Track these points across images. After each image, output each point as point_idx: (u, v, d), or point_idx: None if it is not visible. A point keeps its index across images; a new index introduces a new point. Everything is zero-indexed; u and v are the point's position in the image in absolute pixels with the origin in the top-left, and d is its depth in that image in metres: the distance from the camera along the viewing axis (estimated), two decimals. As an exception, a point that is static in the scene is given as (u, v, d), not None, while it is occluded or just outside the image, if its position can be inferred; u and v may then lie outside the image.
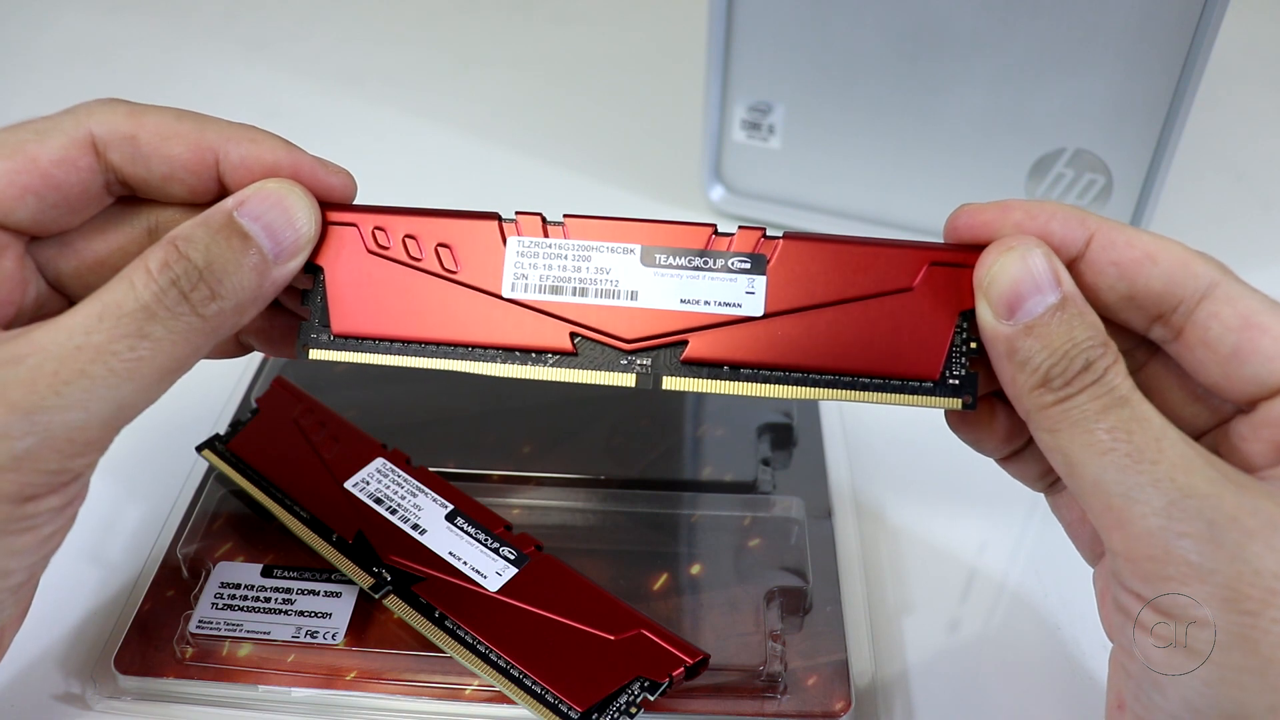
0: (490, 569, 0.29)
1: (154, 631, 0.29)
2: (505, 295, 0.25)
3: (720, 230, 0.24)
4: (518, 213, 0.25)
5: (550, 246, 0.25)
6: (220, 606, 0.29)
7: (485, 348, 0.25)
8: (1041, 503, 0.27)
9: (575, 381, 0.24)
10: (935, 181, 0.43)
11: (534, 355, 0.24)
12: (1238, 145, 0.53)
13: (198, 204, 0.24)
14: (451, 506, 0.30)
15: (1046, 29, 0.38)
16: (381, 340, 0.25)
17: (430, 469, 0.32)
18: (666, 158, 0.51)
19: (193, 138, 0.24)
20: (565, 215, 0.25)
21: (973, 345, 0.24)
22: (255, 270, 0.23)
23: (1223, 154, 0.52)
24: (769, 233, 0.24)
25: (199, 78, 0.56)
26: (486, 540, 0.30)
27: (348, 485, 0.31)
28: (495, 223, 0.25)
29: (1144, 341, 0.24)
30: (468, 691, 0.28)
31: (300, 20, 0.62)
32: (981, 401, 0.25)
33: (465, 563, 0.29)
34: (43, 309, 0.24)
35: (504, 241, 0.25)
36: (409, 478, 0.31)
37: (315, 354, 0.25)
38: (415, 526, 0.30)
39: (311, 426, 0.33)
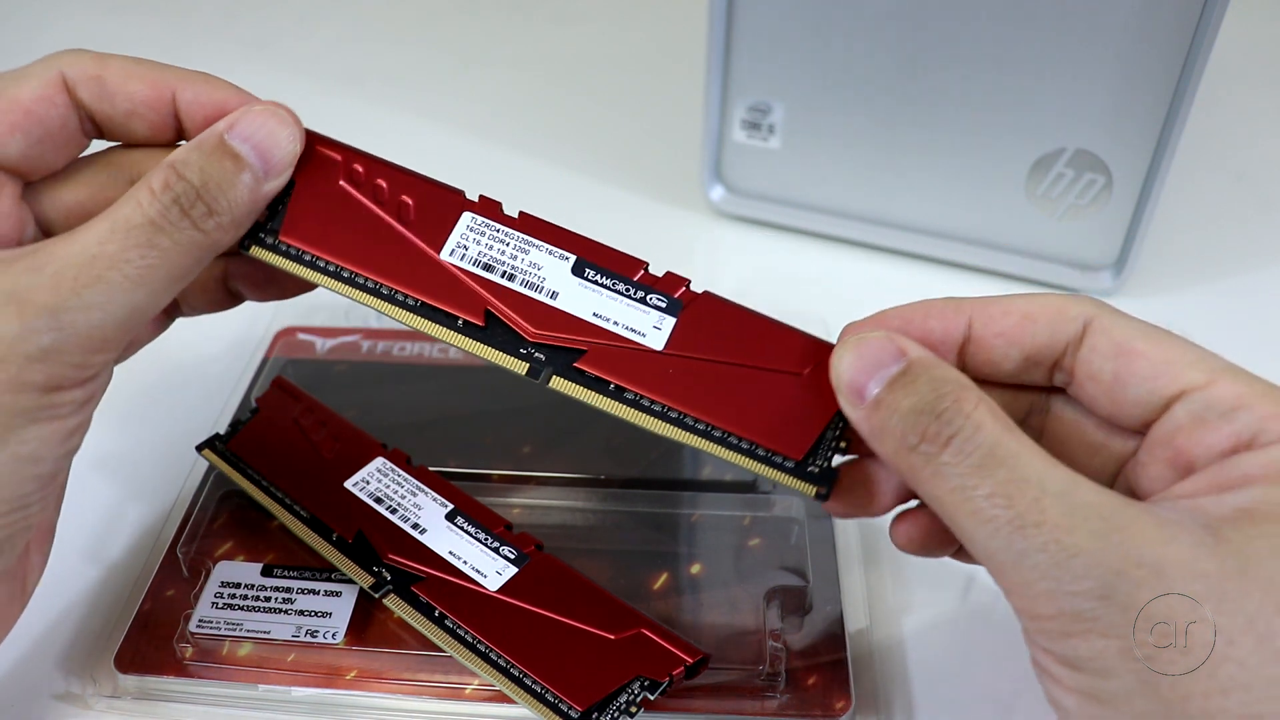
0: (490, 568, 0.29)
1: (154, 631, 0.29)
2: (442, 257, 0.26)
3: (650, 270, 0.26)
4: (481, 196, 0.26)
5: (498, 231, 0.26)
6: (220, 606, 0.29)
7: (406, 295, 0.26)
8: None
9: (472, 353, 0.25)
10: (935, 181, 0.43)
11: (447, 317, 0.25)
12: (1238, 145, 0.53)
13: (162, 143, 0.26)
14: (452, 506, 0.31)
15: (1046, 29, 0.38)
16: (318, 259, 0.26)
17: (430, 469, 0.32)
18: (666, 158, 0.51)
19: (151, 77, 0.26)
20: (521, 212, 0.26)
21: (843, 445, 0.24)
22: (247, 187, 0.24)
23: (1223, 154, 0.52)
24: (693, 286, 0.26)
25: (199, 78, 0.56)
26: (486, 540, 0.30)
27: (348, 485, 0.31)
28: (459, 197, 0.26)
29: (1051, 390, 0.25)
30: (468, 691, 0.28)
31: (300, 20, 0.62)
32: (911, 517, 0.25)
33: (465, 562, 0.29)
34: None
35: (459, 214, 0.26)
36: (409, 477, 0.31)
37: (255, 251, 0.26)
38: (415, 526, 0.30)
39: (311, 426, 0.33)
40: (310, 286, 0.28)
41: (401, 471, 0.32)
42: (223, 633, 0.29)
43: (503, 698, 0.27)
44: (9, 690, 0.29)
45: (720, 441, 0.24)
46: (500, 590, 0.28)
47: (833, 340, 0.25)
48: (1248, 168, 0.51)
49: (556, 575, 0.29)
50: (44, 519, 0.26)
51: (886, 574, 0.32)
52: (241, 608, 0.29)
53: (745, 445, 0.24)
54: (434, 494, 0.31)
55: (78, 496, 0.34)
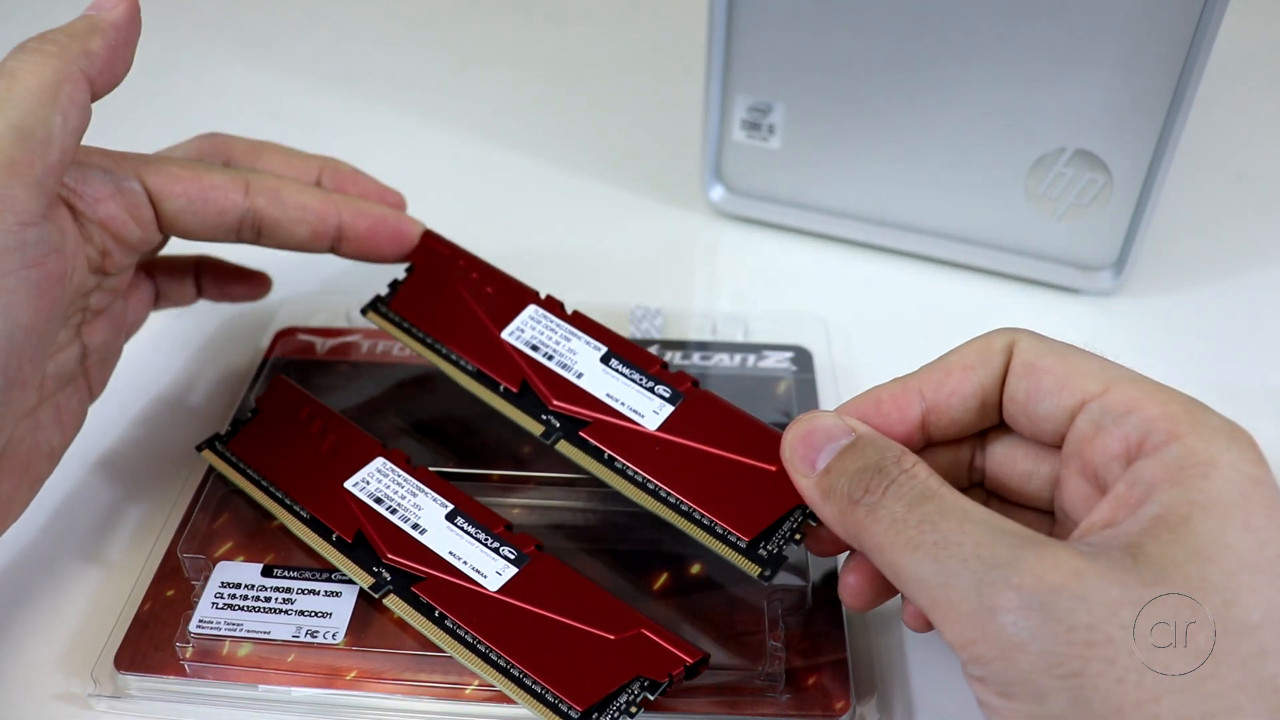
0: (490, 568, 0.29)
1: (154, 631, 0.29)
2: (502, 335, 0.32)
3: (667, 367, 0.31)
4: (548, 295, 0.33)
5: (551, 321, 0.32)
6: (220, 606, 0.29)
7: (466, 362, 0.32)
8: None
9: (503, 413, 0.31)
10: (935, 181, 0.43)
11: (492, 382, 0.31)
12: (1237, 145, 0.53)
13: (319, 248, 0.33)
14: (452, 506, 0.30)
15: (1047, 29, 0.38)
16: (412, 326, 0.33)
17: (430, 469, 0.32)
18: (666, 158, 0.51)
19: (321, 195, 0.33)
20: (575, 311, 0.32)
21: (798, 538, 0.27)
22: (95, 24, 0.28)
23: (1223, 154, 0.52)
24: (700, 383, 0.30)
25: (199, 78, 0.56)
26: (486, 540, 0.30)
27: (348, 485, 0.31)
28: (531, 295, 0.33)
29: (986, 434, 0.27)
30: (468, 691, 0.28)
31: (300, 20, 0.62)
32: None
33: (465, 562, 0.29)
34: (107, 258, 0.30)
35: (526, 306, 0.32)
36: (409, 477, 0.31)
37: (370, 315, 0.34)
38: (415, 526, 0.30)
39: (312, 426, 0.33)
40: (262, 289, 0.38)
41: (401, 471, 0.31)
42: (223, 633, 0.29)
43: (503, 698, 0.27)
44: (9, 690, 0.29)
45: (685, 515, 0.28)
46: (500, 590, 0.28)
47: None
48: (1248, 168, 0.51)
49: (556, 575, 0.29)
50: (23, 446, 0.28)
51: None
52: (241, 608, 0.29)
53: (705, 521, 0.27)
54: (434, 494, 0.31)
55: (78, 496, 0.34)
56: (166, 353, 0.40)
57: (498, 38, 0.61)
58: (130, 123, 0.51)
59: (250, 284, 0.38)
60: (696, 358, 0.38)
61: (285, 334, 0.39)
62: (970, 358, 0.26)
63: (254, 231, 0.32)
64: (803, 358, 0.38)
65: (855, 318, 0.42)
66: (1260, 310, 0.43)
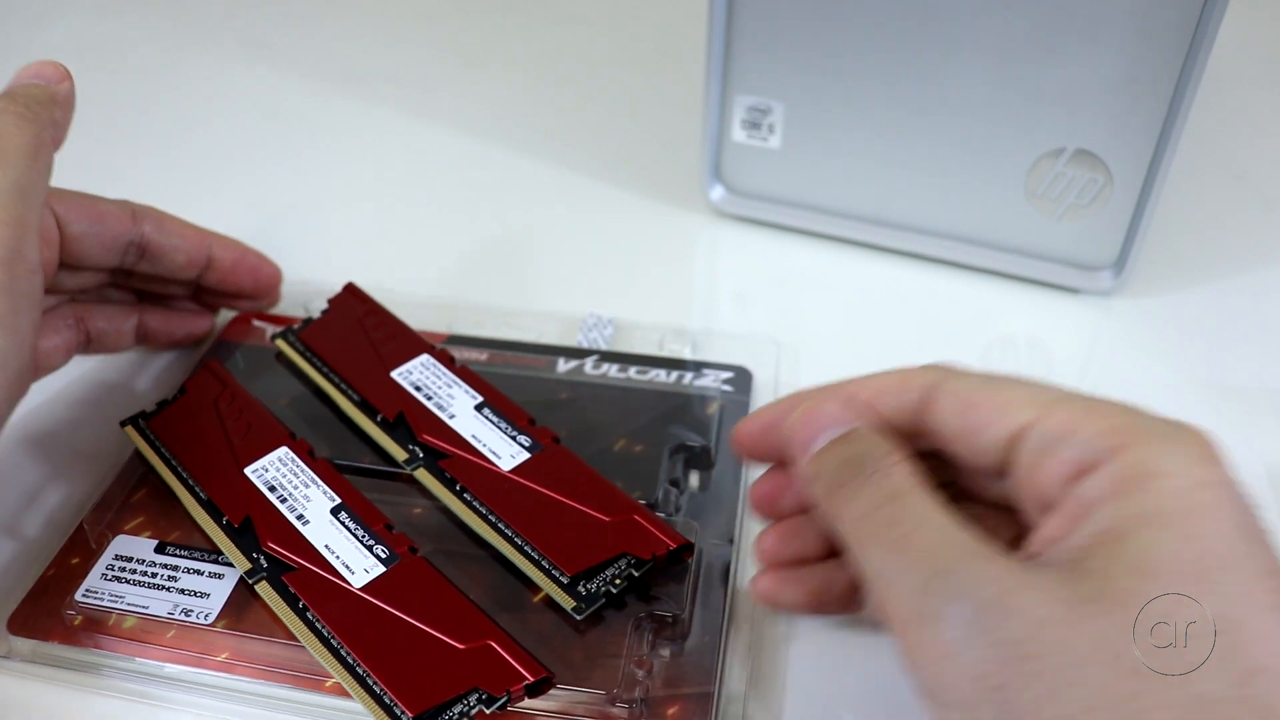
0: (360, 565, 0.27)
1: (50, 598, 0.29)
2: (391, 374, 0.34)
3: (534, 423, 0.32)
4: (442, 348, 0.35)
5: (438, 369, 0.34)
6: (109, 578, 0.29)
7: (354, 391, 0.34)
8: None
9: (375, 439, 0.32)
10: (935, 181, 0.40)
11: (373, 411, 0.33)
12: (1238, 145, 0.48)
13: (187, 277, 0.35)
14: (338, 500, 0.29)
15: (1046, 29, 0.36)
16: (315, 357, 0.35)
17: (340, 462, 0.31)
18: (666, 158, 0.48)
19: (198, 228, 0.35)
20: (462, 364, 0.34)
21: (617, 582, 0.27)
22: (50, 93, 0.29)
23: (1223, 154, 0.47)
24: (560, 439, 0.31)
25: (199, 78, 0.55)
26: (363, 536, 0.28)
27: (247, 471, 0.30)
28: (427, 347, 0.35)
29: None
30: (328, 683, 0.26)
31: (300, 20, 0.60)
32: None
33: (338, 557, 0.27)
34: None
35: (419, 355, 0.34)
36: (306, 468, 0.30)
37: (279, 343, 0.36)
38: (300, 517, 0.29)
39: (230, 411, 0.32)
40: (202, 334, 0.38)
41: (301, 462, 0.30)
42: (105, 604, 0.28)
43: (356, 694, 0.25)
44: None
45: (518, 549, 0.28)
46: (363, 588, 0.27)
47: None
48: (1248, 168, 0.47)
49: (423, 579, 0.27)
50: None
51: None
52: (129, 581, 0.28)
53: (535, 555, 0.28)
54: (325, 486, 0.29)
55: (3, 472, 0.33)
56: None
57: (498, 38, 0.59)
58: (132, 123, 0.51)
59: (196, 323, 0.37)
60: (632, 371, 0.35)
61: (240, 320, 0.38)
62: (887, 384, 0.25)
63: (137, 256, 0.33)
64: (742, 378, 0.35)
65: (855, 319, 0.40)
66: (1261, 310, 0.40)
